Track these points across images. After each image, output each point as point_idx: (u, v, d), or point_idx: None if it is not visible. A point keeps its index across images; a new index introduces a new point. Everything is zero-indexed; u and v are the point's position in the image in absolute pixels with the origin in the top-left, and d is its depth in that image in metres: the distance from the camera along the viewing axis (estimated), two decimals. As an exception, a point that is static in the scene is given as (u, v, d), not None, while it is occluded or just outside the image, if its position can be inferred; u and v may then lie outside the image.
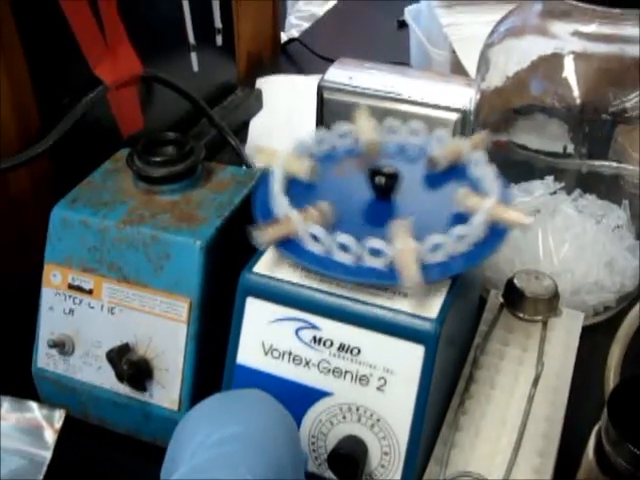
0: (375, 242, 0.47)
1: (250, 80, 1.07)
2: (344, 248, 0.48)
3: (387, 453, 0.49)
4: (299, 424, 0.50)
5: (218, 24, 0.86)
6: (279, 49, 1.19)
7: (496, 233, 0.51)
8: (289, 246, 0.49)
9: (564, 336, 0.60)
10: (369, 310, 0.48)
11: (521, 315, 0.60)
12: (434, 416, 0.52)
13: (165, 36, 0.81)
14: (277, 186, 0.52)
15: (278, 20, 1.16)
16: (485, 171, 0.54)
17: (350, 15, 1.35)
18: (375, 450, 0.49)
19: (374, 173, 0.53)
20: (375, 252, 0.47)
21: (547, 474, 0.50)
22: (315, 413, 0.50)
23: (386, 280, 0.48)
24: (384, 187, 0.53)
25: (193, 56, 0.83)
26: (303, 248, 0.49)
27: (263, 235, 0.49)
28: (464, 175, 0.56)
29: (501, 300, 0.61)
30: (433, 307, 0.48)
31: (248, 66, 1.09)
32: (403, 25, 1.18)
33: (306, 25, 1.37)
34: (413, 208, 0.53)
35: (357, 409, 0.49)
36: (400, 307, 0.48)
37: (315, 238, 0.49)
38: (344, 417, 0.50)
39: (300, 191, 0.53)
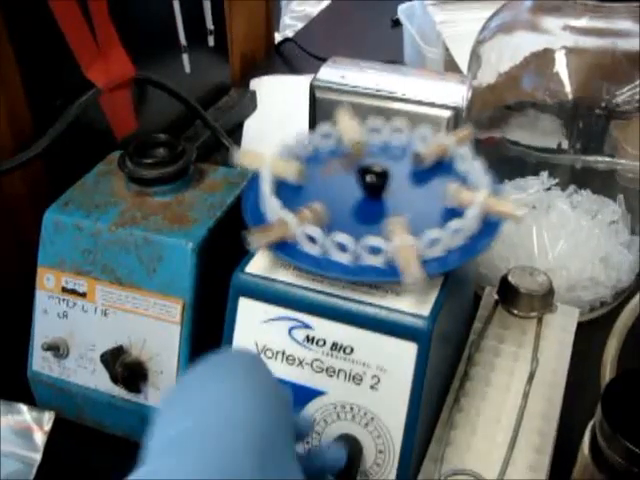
0: (373, 240, 0.47)
1: (244, 81, 1.07)
2: (342, 248, 0.48)
3: (382, 451, 0.49)
4: (294, 424, 0.50)
5: (210, 25, 0.86)
6: (273, 49, 1.19)
7: (490, 226, 0.51)
8: (284, 248, 0.49)
9: (559, 332, 0.59)
10: (361, 309, 0.48)
11: (516, 312, 0.59)
12: (429, 414, 0.51)
13: (157, 38, 0.81)
14: (267, 189, 0.52)
15: (272, 20, 1.16)
16: (472, 165, 0.54)
17: (344, 14, 1.35)
18: (370, 448, 0.49)
19: (364, 172, 0.53)
20: (374, 250, 0.47)
21: (543, 470, 0.50)
22: (309, 412, 0.50)
23: (386, 277, 0.48)
24: (375, 186, 0.53)
25: (185, 58, 0.83)
26: (299, 250, 0.49)
27: (257, 239, 0.49)
28: (451, 170, 0.56)
29: (496, 297, 0.61)
30: (426, 304, 0.48)
31: (242, 67, 1.09)
32: (397, 24, 1.18)
33: (300, 25, 1.37)
34: (404, 205, 0.52)
35: (351, 408, 0.49)
36: (393, 305, 0.47)
37: (311, 239, 0.48)
38: (338, 416, 0.49)
39: (289, 193, 0.53)
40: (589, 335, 0.63)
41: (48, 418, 0.48)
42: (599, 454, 0.46)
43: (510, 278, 0.60)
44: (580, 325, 0.61)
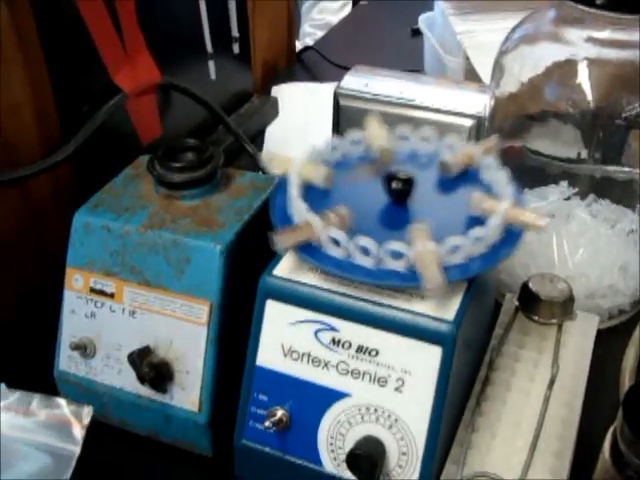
0: (395, 245, 0.48)
1: (266, 88, 1.08)
2: (365, 251, 0.49)
3: (405, 453, 0.50)
4: (318, 424, 0.51)
5: (235, 33, 0.87)
6: (294, 57, 1.20)
7: (511, 235, 0.52)
8: (309, 250, 0.50)
9: (579, 339, 0.60)
10: (387, 312, 0.49)
11: (536, 318, 0.60)
12: (451, 417, 0.52)
13: (183, 45, 0.83)
14: (295, 192, 0.53)
15: (293, 29, 1.18)
16: (497, 175, 0.55)
17: (364, 23, 1.36)
18: (393, 450, 0.50)
19: (390, 178, 0.54)
20: (396, 255, 0.48)
21: (563, 474, 0.51)
22: (334, 414, 0.51)
23: (407, 282, 0.48)
24: (400, 192, 0.54)
25: (211, 64, 0.85)
26: (323, 252, 0.50)
27: (284, 240, 0.50)
28: (476, 179, 0.57)
29: (516, 304, 0.62)
30: (450, 309, 0.48)
31: (264, 74, 1.10)
32: (417, 33, 1.19)
33: (320, 33, 1.38)
34: (428, 212, 0.53)
35: (375, 410, 0.50)
36: (418, 309, 0.48)
37: (336, 242, 0.49)
38: (362, 418, 0.50)
39: (316, 197, 0.54)
40: (607, 343, 0.64)
41: (87, 412, 0.49)
42: (620, 458, 0.46)
43: (530, 285, 0.61)
44: (598, 333, 0.62)
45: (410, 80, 0.78)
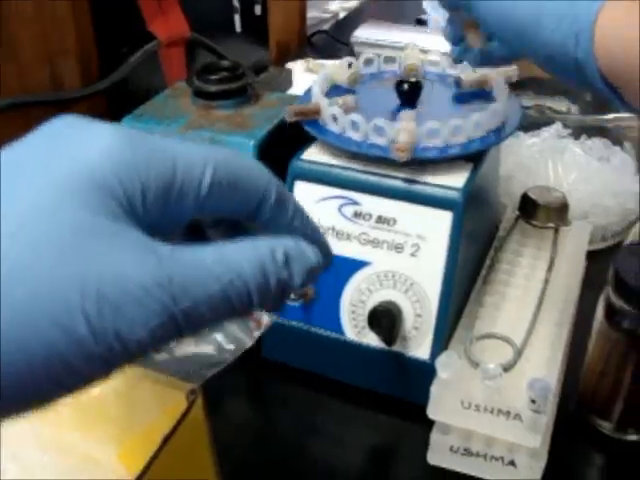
0: (380, 121, 0.55)
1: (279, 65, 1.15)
2: (355, 126, 0.55)
3: (420, 315, 0.55)
4: (340, 294, 0.57)
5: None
6: (305, 40, 1.27)
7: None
8: (314, 125, 0.58)
9: (574, 240, 0.66)
10: (403, 184, 0.55)
11: (535, 223, 0.66)
12: (461, 284, 0.58)
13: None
14: (318, 86, 0.60)
15: (305, 16, 1.25)
16: (504, 94, 0.61)
17: (368, 17, 1.44)
18: (409, 313, 0.56)
19: (400, 82, 0.61)
20: (379, 130, 0.55)
21: (562, 340, 0.56)
22: (355, 283, 0.57)
23: (387, 154, 0.54)
24: (408, 93, 0.60)
25: (236, 18, 0.92)
26: (325, 128, 0.57)
27: (293, 110, 0.57)
28: (485, 96, 0.62)
29: (517, 213, 0.68)
30: (459, 181, 0.55)
31: (278, 54, 1.17)
32: (420, 23, 1.26)
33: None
34: (433, 113, 0.59)
35: (393, 275, 0.56)
36: (430, 180, 0.55)
37: (334, 118, 0.56)
38: (381, 284, 0.56)
39: (338, 94, 0.61)
40: (599, 263, 0.69)
41: None
42: (613, 315, 0.52)
43: (529, 194, 0.67)
44: (591, 253, 0.67)
45: (419, 31, 0.85)
